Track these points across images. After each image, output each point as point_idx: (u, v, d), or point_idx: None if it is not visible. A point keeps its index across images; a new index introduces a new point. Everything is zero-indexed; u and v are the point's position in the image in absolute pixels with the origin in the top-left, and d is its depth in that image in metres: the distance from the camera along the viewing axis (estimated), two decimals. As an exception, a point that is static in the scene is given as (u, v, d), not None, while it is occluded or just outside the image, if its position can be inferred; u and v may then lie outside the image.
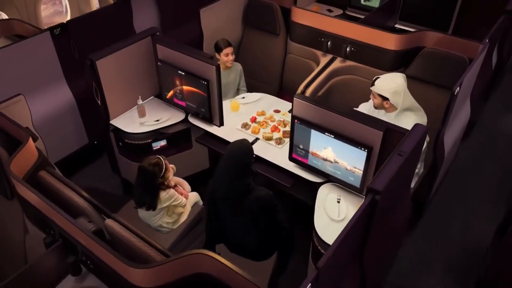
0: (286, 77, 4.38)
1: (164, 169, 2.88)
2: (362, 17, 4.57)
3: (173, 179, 3.15)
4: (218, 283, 1.89)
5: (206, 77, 3.21)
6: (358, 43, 3.75)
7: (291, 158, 3.04)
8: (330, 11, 5.38)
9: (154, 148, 3.51)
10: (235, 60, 4.61)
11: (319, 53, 4.01)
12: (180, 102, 3.52)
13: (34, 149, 2.53)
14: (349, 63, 3.87)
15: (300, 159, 2.98)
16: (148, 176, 2.85)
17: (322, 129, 2.71)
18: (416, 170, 3.19)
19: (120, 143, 3.56)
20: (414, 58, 3.58)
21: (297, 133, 2.88)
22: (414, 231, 3.67)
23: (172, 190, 2.99)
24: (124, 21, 4.16)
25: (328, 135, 2.69)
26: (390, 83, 2.98)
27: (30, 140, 2.48)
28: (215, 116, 3.40)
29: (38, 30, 3.72)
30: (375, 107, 3.13)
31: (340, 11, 5.40)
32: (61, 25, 3.62)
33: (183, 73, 3.30)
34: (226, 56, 3.83)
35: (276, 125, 3.41)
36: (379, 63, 3.72)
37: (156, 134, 3.49)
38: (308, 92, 3.67)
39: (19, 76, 3.44)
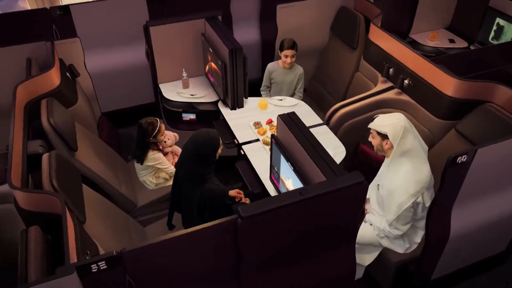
0: (349, 94, 4.09)
1: (157, 130, 3.13)
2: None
3: (173, 147, 3.40)
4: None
5: (222, 58, 3.33)
6: (416, 78, 3.26)
7: (270, 178, 2.92)
8: (452, 41, 4.67)
9: (183, 118, 3.81)
10: (318, 65, 4.53)
11: (380, 78, 3.62)
12: (211, 78, 3.72)
13: (55, 80, 3.08)
14: (404, 97, 3.40)
15: (275, 181, 2.83)
16: (141, 131, 3.15)
17: (287, 157, 2.49)
18: (399, 233, 2.70)
19: (162, 106, 3.97)
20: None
21: (273, 154, 2.72)
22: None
23: (159, 154, 3.24)
24: (221, 2, 4.47)
25: (290, 165, 2.47)
26: (391, 118, 2.63)
27: (53, 70, 3.03)
28: (227, 98, 3.53)
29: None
30: (376, 152, 2.76)
31: (464, 44, 4.65)
32: (159, -8, 4.15)
33: (211, 51, 3.48)
34: (285, 58, 3.81)
35: (285, 134, 3.30)
36: (432, 107, 3.18)
37: (189, 107, 3.76)
38: (340, 113, 3.40)
39: (111, 28, 4.09)
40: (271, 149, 2.71)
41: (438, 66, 3.08)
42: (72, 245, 1.93)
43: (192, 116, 3.79)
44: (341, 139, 3.34)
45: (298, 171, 2.36)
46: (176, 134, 3.41)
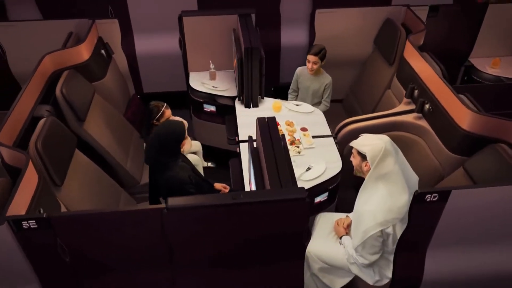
0: (377, 111, 3.86)
1: (159, 114, 3.27)
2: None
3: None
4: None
5: (240, 55, 3.38)
6: (436, 104, 2.98)
7: (249, 179, 2.90)
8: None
9: (204, 109, 3.91)
10: (357, 77, 4.34)
11: (404, 99, 3.37)
12: (235, 73, 3.76)
13: (84, 54, 3.37)
14: (422, 122, 3.14)
15: (250, 183, 2.78)
16: (147, 111, 3.32)
17: (253, 164, 2.46)
18: (365, 261, 2.52)
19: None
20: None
21: (250, 157, 2.67)
22: None
23: None
24: (272, 1, 4.47)
25: (252, 173, 2.44)
26: (373, 139, 2.47)
27: (82, 45, 3.34)
28: (242, 95, 3.59)
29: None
30: (355, 172, 2.62)
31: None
32: (210, -16, 4.27)
33: (234, 46, 3.52)
34: (308, 62, 3.72)
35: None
36: (446, 138, 2.90)
37: (210, 98, 3.85)
38: (350, 128, 3.26)
39: (160, 13, 4.29)
40: (249, 151, 2.70)
41: (458, 96, 2.80)
42: (23, 199, 2.12)
43: (213, 108, 3.88)
44: (347, 155, 3.19)
45: (256, 177, 2.33)
46: (185, 122, 3.52)
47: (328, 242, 2.83)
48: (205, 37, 3.85)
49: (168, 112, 3.33)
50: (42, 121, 2.68)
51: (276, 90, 4.89)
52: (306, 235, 2.18)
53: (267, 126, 2.48)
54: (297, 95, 4.07)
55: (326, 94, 3.91)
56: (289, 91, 4.09)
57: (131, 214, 2.01)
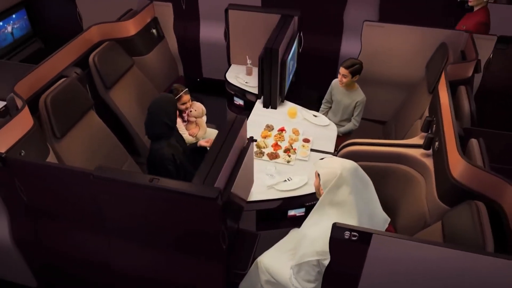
0: (406, 137, 3.52)
1: (178, 96, 3.46)
2: None
3: (198, 119, 3.69)
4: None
5: (262, 55, 3.41)
6: (442, 144, 2.64)
7: None
8: None
9: (234, 102, 4.03)
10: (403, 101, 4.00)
11: (422, 133, 3.03)
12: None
13: (131, 30, 3.74)
14: (427, 160, 2.81)
15: None
16: (169, 93, 3.55)
17: None
18: (299, 286, 2.42)
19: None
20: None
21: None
22: None
23: (178, 119, 3.57)
24: (336, 7, 4.34)
25: None
26: (333, 163, 2.34)
27: (129, 22, 3.70)
28: (261, 93, 3.65)
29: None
30: (317, 196, 2.50)
31: None
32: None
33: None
34: (339, 74, 3.55)
35: (282, 146, 3.19)
36: (439, 184, 2.57)
37: (240, 93, 3.94)
38: (350, 149, 3.05)
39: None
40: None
41: (457, 139, 2.45)
42: (8, 138, 2.45)
43: (241, 102, 3.96)
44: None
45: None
46: (204, 108, 3.67)
47: (282, 258, 2.74)
48: (247, 32, 3.94)
49: (186, 97, 3.51)
50: (62, 80, 3.07)
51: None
52: (224, 239, 2.19)
53: (231, 124, 2.50)
54: (330, 107, 3.93)
55: (357, 112, 3.71)
56: (323, 101, 3.97)
57: (66, 171, 2.25)
